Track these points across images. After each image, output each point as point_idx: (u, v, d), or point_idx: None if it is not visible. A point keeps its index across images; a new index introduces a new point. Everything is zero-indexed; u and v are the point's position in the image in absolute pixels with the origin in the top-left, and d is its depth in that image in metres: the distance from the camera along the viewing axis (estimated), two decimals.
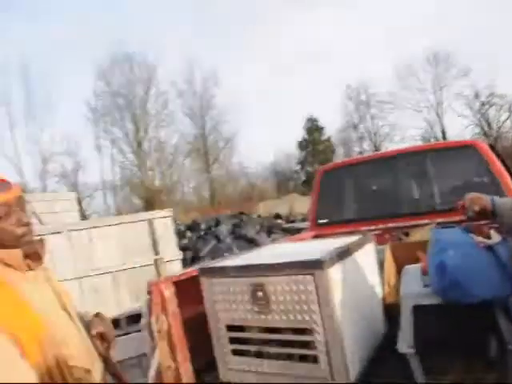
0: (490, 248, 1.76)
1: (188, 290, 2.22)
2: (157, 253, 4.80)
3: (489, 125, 44.32)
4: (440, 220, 3.24)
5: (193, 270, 2.38)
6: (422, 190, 3.75)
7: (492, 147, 3.60)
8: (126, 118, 31.72)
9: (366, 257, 2.41)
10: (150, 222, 4.87)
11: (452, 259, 1.72)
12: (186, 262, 7.13)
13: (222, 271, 2.14)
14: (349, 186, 4.10)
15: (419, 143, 42.74)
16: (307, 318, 1.87)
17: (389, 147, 44.40)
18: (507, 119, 43.41)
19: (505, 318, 1.81)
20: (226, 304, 2.11)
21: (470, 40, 54.29)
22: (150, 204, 26.59)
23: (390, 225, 3.48)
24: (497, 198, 1.76)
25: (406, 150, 3.94)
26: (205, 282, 2.18)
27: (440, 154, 3.68)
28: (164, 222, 5.03)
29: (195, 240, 11.53)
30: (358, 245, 2.33)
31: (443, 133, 44.42)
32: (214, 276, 2.16)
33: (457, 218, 3.23)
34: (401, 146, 43.24)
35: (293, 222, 15.26)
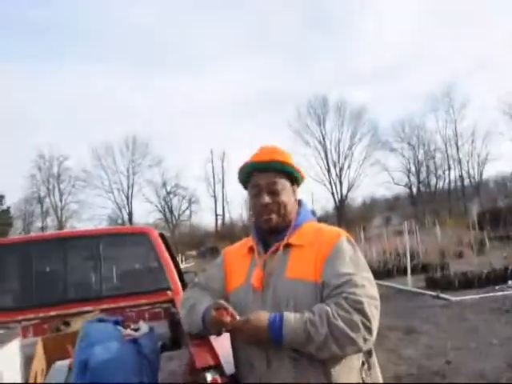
0: (135, 341, 1.78)
1: None
2: None
3: (171, 212, 49.64)
4: (105, 306, 3.19)
5: None
6: (91, 275, 3.63)
7: (162, 235, 3.89)
8: None
9: (6, 355, 2.05)
10: None
11: (96, 356, 1.64)
12: None
13: None
14: (12, 268, 3.60)
15: (105, 224, 43.55)
16: None
17: (75, 225, 43.23)
18: (187, 209, 49.85)
19: None
20: None
21: (163, 132, 61.10)
22: None
23: (53, 313, 3.18)
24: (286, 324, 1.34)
25: (77, 233, 3.82)
26: None
27: (113, 238, 3.71)
28: None
29: None
30: None
31: (130, 215, 46.78)
32: None
33: (122, 304, 3.28)
34: (88, 224, 42.78)
35: None
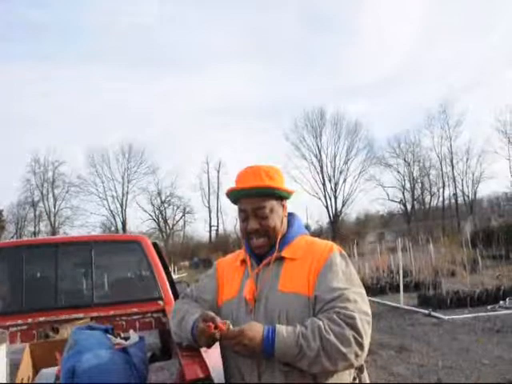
0: (125, 350, 1.76)
1: None
2: None
3: (165, 221, 49.47)
4: (95, 314, 3.16)
5: None
6: (83, 282, 3.60)
7: (155, 245, 3.87)
8: None
9: None
10: None
11: (84, 364, 1.61)
12: None
13: None
14: (2, 272, 3.56)
15: (98, 231, 43.27)
16: None
17: (68, 231, 42.95)
18: (180, 219, 49.72)
19: None
20: None
21: (159, 141, 61.22)
22: None
23: (42, 319, 3.14)
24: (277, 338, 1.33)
25: (69, 239, 3.80)
26: None
27: (106, 246, 3.69)
28: None
29: None
30: None
31: (123, 223, 46.57)
32: None
33: (113, 313, 3.25)
34: (81, 231, 42.52)
35: None
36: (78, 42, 63.01)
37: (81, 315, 3.13)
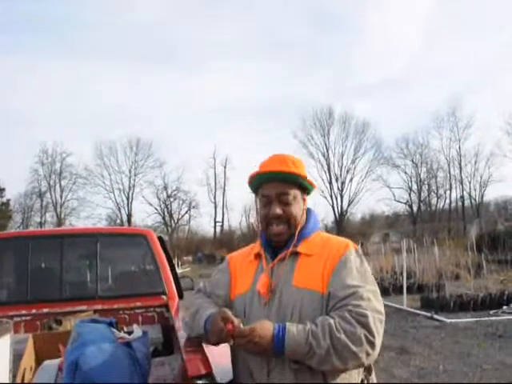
0: (128, 344, 1.77)
1: None
2: None
3: (170, 216, 49.57)
4: (100, 307, 3.18)
5: None
6: (87, 275, 3.63)
7: (160, 239, 3.88)
8: None
9: None
10: None
11: (88, 357, 1.62)
12: None
13: None
14: (8, 262, 3.59)
15: (104, 223, 43.44)
16: None
17: (74, 223, 43.14)
18: (186, 213, 49.79)
19: None
20: None
21: (166, 134, 61.42)
22: None
23: (46, 310, 3.16)
24: (287, 335, 1.32)
25: (75, 231, 3.82)
26: None
27: (111, 239, 3.70)
28: None
29: None
30: None
31: (129, 216, 46.72)
32: None
33: (116, 306, 3.26)
34: (86, 223, 42.67)
35: None
36: (80, 37, 63.18)
37: (84, 307, 3.15)
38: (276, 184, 1.52)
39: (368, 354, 1.31)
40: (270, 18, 63.35)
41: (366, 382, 1.48)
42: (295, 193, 1.54)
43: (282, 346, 1.31)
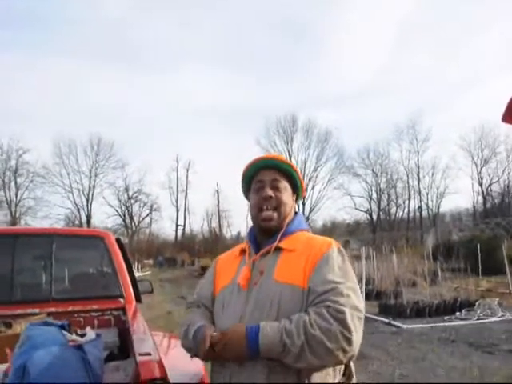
0: (80, 347, 1.70)
1: None
2: None
3: (131, 218, 48.58)
4: (54, 310, 3.06)
5: None
6: (41, 276, 3.47)
7: (119, 241, 3.78)
8: None
9: None
10: None
11: (36, 361, 1.55)
12: None
13: None
14: None
15: (62, 224, 42.02)
16: None
17: (30, 222, 41.49)
18: (147, 216, 48.92)
19: None
20: None
21: (129, 136, 60.30)
22: None
23: None
24: (261, 337, 1.31)
25: (29, 230, 3.67)
26: None
27: (68, 239, 3.58)
28: None
29: None
30: None
31: (88, 218, 45.44)
32: None
33: (71, 309, 3.14)
34: (43, 223, 41.15)
35: None
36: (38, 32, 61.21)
37: (37, 310, 3.02)
38: (270, 171, 1.61)
39: (345, 351, 1.30)
40: (239, 26, 63.73)
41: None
42: (286, 184, 1.62)
43: (256, 346, 1.30)
